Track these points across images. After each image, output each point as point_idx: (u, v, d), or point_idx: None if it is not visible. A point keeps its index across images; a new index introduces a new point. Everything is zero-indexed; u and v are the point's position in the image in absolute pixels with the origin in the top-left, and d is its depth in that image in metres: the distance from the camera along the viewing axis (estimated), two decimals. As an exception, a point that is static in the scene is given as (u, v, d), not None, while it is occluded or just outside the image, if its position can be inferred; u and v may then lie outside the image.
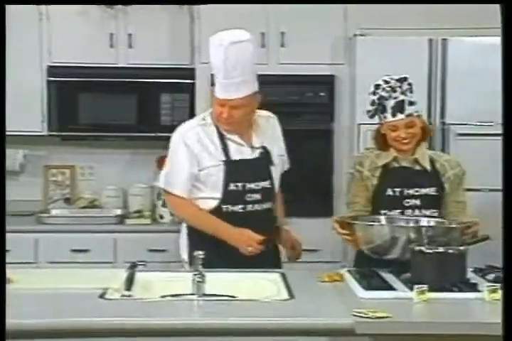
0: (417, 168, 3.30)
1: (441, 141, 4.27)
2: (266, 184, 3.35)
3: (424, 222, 3.16)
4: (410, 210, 3.25)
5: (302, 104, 4.54)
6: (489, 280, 2.81)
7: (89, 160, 5.04)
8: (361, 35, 4.34)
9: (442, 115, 4.31)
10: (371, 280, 2.82)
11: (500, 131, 4.16)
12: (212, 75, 4.32)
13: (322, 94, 4.52)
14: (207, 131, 3.33)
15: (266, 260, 3.28)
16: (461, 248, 2.81)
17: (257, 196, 3.33)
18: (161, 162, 4.93)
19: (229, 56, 3.15)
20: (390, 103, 3.21)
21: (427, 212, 3.25)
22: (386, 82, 3.23)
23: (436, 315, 2.54)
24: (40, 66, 4.67)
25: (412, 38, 4.28)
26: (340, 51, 4.50)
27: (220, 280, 2.90)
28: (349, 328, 2.39)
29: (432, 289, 2.64)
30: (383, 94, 3.21)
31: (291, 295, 2.71)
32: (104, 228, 4.56)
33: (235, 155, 3.32)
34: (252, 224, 3.27)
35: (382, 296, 2.67)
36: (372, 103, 3.24)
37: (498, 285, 2.68)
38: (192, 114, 4.58)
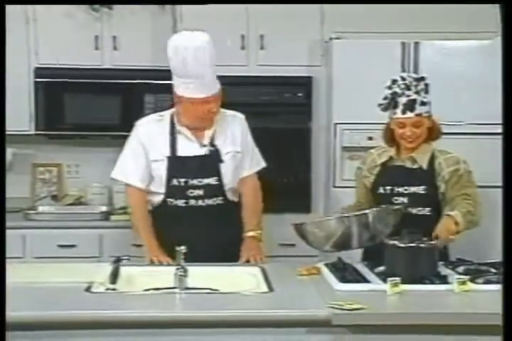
0: (414, 166, 3.25)
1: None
2: (211, 180, 3.35)
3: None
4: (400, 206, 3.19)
5: (281, 104, 4.54)
6: (459, 273, 2.83)
7: (75, 159, 5.02)
8: (337, 38, 4.35)
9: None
10: (347, 274, 2.84)
11: (468, 131, 4.23)
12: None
13: (300, 94, 4.52)
14: (160, 126, 3.37)
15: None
16: (433, 242, 2.83)
17: (200, 192, 3.34)
18: (144, 160, 4.94)
19: (189, 58, 3.16)
20: (402, 100, 3.16)
21: (414, 210, 3.19)
22: (403, 78, 3.19)
23: (408, 306, 2.56)
24: (27, 67, 4.64)
25: (386, 41, 4.29)
26: (317, 53, 4.51)
27: (202, 274, 2.90)
28: (326, 319, 2.40)
29: (404, 281, 2.65)
30: (397, 90, 3.16)
31: (271, 288, 2.71)
32: (89, 224, 4.54)
33: (182, 152, 3.34)
34: (193, 220, 3.32)
35: (358, 289, 2.68)
36: (386, 97, 3.19)
37: (467, 277, 2.71)
38: (175, 114, 4.59)
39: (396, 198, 3.22)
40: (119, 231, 4.49)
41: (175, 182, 3.34)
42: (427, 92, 3.19)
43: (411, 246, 2.78)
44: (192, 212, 3.34)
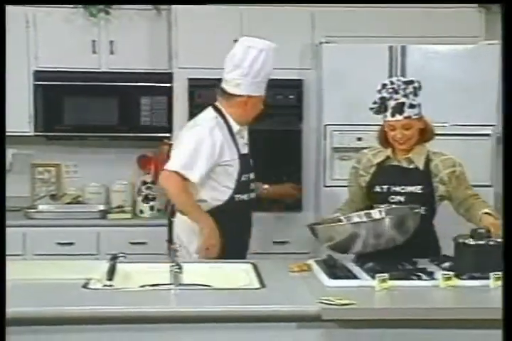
0: (410, 166, 3.24)
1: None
2: (252, 175, 3.55)
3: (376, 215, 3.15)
4: (394, 206, 3.19)
5: (273, 106, 4.50)
6: (444, 269, 2.83)
7: (73, 159, 5.01)
8: (327, 42, 4.34)
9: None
10: (336, 270, 2.83)
11: (454, 132, 4.23)
12: (189, 79, 4.41)
13: (291, 97, 4.51)
14: (221, 127, 3.47)
15: None
16: (499, 240, 2.76)
17: (253, 185, 3.55)
18: (141, 160, 4.94)
19: (258, 59, 3.39)
20: (391, 103, 3.16)
21: None
22: (391, 82, 3.19)
23: (396, 302, 2.56)
24: (27, 70, 4.63)
25: (374, 45, 4.28)
26: (308, 57, 4.50)
27: (197, 271, 2.90)
28: (316, 314, 2.40)
29: (392, 277, 2.65)
30: (385, 94, 3.17)
31: (263, 284, 2.71)
32: (87, 222, 4.53)
33: (242, 150, 3.51)
34: (250, 211, 3.57)
35: (347, 284, 2.68)
36: (375, 101, 3.19)
37: (452, 273, 2.71)
38: (170, 116, 4.58)
39: (393, 197, 3.22)
40: (116, 230, 4.50)
41: (243, 178, 3.46)
42: (415, 95, 3.18)
43: (480, 244, 2.77)
44: (250, 204, 3.54)
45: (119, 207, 4.81)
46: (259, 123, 4.38)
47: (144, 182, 4.81)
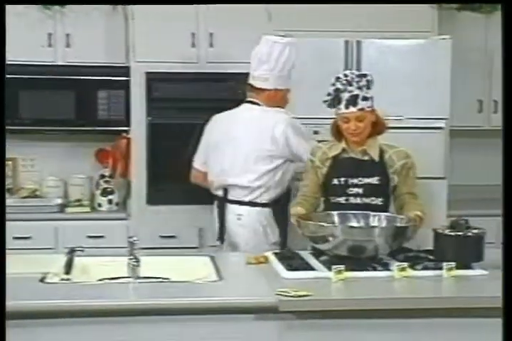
0: (365, 158, 3.26)
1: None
2: None
3: (373, 219, 3.10)
4: (352, 197, 3.23)
5: (231, 99, 4.50)
6: (399, 260, 2.86)
7: (30, 153, 4.93)
8: (283, 36, 4.33)
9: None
10: (293, 262, 2.84)
11: (408, 125, 4.26)
12: (147, 73, 4.37)
13: (249, 90, 4.50)
14: None
15: None
16: (476, 231, 2.83)
17: None
18: (99, 154, 4.88)
19: (283, 54, 3.64)
20: (345, 95, 3.18)
21: (368, 200, 3.21)
22: (345, 75, 3.21)
23: (352, 292, 2.58)
24: (-18, 64, 4.54)
25: (330, 40, 4.29)
26: (265, 51, 4.48)
27: (155, 264, 2.88)
28: (273, 306, 2.40)
29: (348, 269, 2.67)
30: (339, 86, 3.19)
31: (220, 277, 2.71)
32: (45, 216, 4.47)
33: None
34: None
35: (304, 276, 2.69)
36: (329, 94, 3.22)
37: (407, 264, 2.73)
38: (127, 110, 4.53)
39: (351, 189, 3.23)
40: (74, 223, 4.45)
41: None
42: (369, 88, 3.21)
43: (459, 235, 2.80)
44: None
45: (77, 200, 4.76)
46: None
47: (102, 176, 4.76)
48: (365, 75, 3.23)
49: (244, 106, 3.78)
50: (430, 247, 2.93)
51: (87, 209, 4.66)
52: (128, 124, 4.53)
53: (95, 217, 4.57)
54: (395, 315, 2.49)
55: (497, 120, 4.89)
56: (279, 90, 3.70)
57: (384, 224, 3.03)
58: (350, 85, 3.19)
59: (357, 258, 2.81)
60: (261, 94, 3.69)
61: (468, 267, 2.78)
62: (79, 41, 4.56)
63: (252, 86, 3.71)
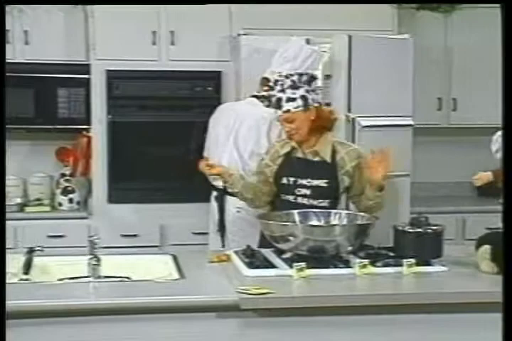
0: (316, 159, 3.24)
1: (351, 133, 4.14)
2: None
3: (334, 217, 3.07)
4: (300, 198, 3.22)
5: (192, 97, 4.50)
6: (360, 257, 2.87)
7: (-12, 152, 4.86)
8: (244, 34, 4.33)
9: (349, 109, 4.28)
10: (255, 260, 2.84)
11: (378, 123, 4.25)
12: (107, 71, 4.33)
13: (210, 88, 4.47)
14: None
15: None
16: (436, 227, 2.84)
17: None
18: (59, 153, 4.83)
19: (309, 58, 3.71)
20: (272, 100, 3.21)
21: (315, 202, 3.20)
22: (267, 80, 3.26)
23: (313, 290, 2.59)
24: None
25: (291, 38, 4.28)
26: (226, 49, 4.48)
27: (116, 263, 2.85)
28: (235, 304, 2.40)
29: (309, 266, 2.67)
30: (264, 93, 3.23)
31: (182, 275, 2.70)
32: (4, 216, 4.41)
33: None
34: None
35: (265, 274, 2.69)
36: (263, 100, 3.31)
37: (368, 261, 2.75)
38: (88, 108, 4.49)
39: (299, 189, 3.22)
40: (34, 223, 4.41)
41: None
42: (294, 88, 3.16)
43: (419, 232, 2.82)
44: None
45: (37, 199, 4.70)
46: (178, 116, 4.39)
47: (63, 175, 4.72)
48: (288, 76, 3.19)
49: (250, 100, 3.83)
50: (391, 244, 2.95)
51: (47, 208, 4.61)
52: (88, 122, 4.48)
53: (56, 216, 4.52)
54: (356, 311, 2.50)
55: (456, 118, 4.95)
56: None
57: (345, 221, 3.04)
58: (272, 89, 3.21)
59: (319, 256, 2.82)
60: None
61: (427, 263, 2.80)
62: (38, 38, 4.50)
63: (265, 79, 3.71)
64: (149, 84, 4.42)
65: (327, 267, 2.76)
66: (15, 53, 4.51)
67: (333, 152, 3.23)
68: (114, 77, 4.39)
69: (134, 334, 2.41)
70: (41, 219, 4.46)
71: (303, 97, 3.17)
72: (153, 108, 4.39)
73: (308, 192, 3.21)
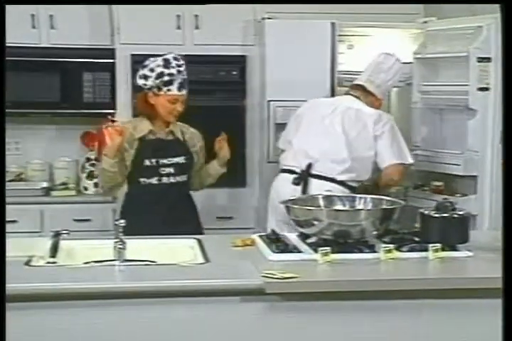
0: (170, 138, 3.50)
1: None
2: None
3: (359, 202, 3.05)
4: (165, 177, 3.45)
5: (216, 82, 4.51)
6: (385, 242, 2.86)
7: (15, 136, 4.87)
8: (269, 18, 4.32)
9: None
10: (280, 244, 2.83)
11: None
12: (132, 55, 4.34)
13: (234, 72, 4.48)
14: None
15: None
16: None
17: None
18: (85, 137, 4.86)
19: (398, 72, 3.94)
20: (178, 79, 3.39)
21: (179, 178, 3.48)
22: (175, 58, 3.40)
23: (338, 274, 2.58)
24: (-35, 46, 4.49)
25: (316, 21, 4.27)
26: (251, 33, 4.47)
27: (141, 247, 2.87)
28: (259, 288, 2.40)
29: (334, 251, 2.67)
30: (172, 70, 3.37)
31: (207, 259, 2.70)
32: (30, 200, 4.46)
33: None
34: None
35: (290, 258, 2.68)
36: (161, 75, 3.37)
37: (392, 246, 2.74)
38: (113, 92, 4.50)
39: (163, 169, 3.45)
40: (60, 207, 4.44)
41: None
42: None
43: (445, 216, 2.80)
44: None
45: (62, 184, 4.74)
46: (202, 100, 4.39)
47: (88, 159, 4.75)
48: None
49: (347, 97, 3.91)
50: (416, 229, 2.94)
51: (73, 192, 4.65)
52: (114, 107, 4.50)
53: (81, 200, 4.56)
54: (381, 296, 2.49)
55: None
56: (380, 99, 3.94)
57: (370, 206, 3.03)
58: (181, 69, 3.41)
59: (344, 241, 2.82)
60: (368, 97, 3.87)
61: (453, 248, 2.79)
62: (63, 23, 4.52)
63: (359, 86, 3.89)
64: (174, 68, 4.42)
65: (352, 252, 2.75)
66: (41, 38, 4.53)
67: (182, 132, 3.55)
68: (138, 62, 4.38)
69: (158, 317, 2.42)
70: (67, 203, 4.51)
71: None
72: (178, 92, 4.39)
73: (172, 170, 3.46)
